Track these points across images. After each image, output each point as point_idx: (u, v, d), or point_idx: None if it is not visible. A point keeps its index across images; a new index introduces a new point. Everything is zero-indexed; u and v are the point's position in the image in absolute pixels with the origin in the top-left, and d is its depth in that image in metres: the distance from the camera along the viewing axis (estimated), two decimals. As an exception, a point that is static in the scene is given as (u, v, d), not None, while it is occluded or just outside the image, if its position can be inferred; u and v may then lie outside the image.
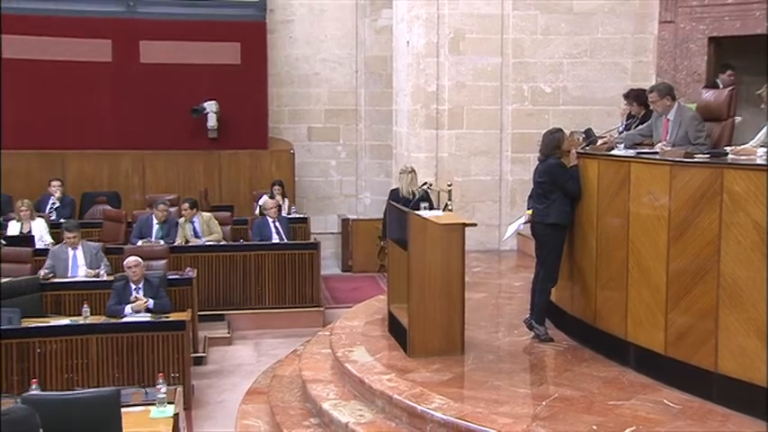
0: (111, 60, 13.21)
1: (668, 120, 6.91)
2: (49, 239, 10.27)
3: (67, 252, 9.07)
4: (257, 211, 11.83)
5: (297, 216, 12.36)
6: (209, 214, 10.98)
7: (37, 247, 9.91)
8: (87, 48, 13.09)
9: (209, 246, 10.50)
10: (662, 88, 7.05)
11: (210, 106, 13.30)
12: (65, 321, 7.82)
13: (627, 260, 6.20)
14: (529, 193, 7.32)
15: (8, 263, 9.14)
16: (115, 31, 13.20)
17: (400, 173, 10.33)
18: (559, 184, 6.84)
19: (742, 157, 5.62)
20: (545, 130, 7.25)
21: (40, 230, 10.40)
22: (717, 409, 5.38)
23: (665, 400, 5.60)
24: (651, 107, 7.22)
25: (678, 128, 6.81)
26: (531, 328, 7.08)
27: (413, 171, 10.10)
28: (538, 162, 7.14)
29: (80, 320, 7.79)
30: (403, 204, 8.80)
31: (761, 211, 5.10)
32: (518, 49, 10.82)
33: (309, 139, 14.38)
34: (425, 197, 9.57)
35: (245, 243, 10.81)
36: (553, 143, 6.99)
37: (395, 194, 9.92)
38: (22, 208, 10.54)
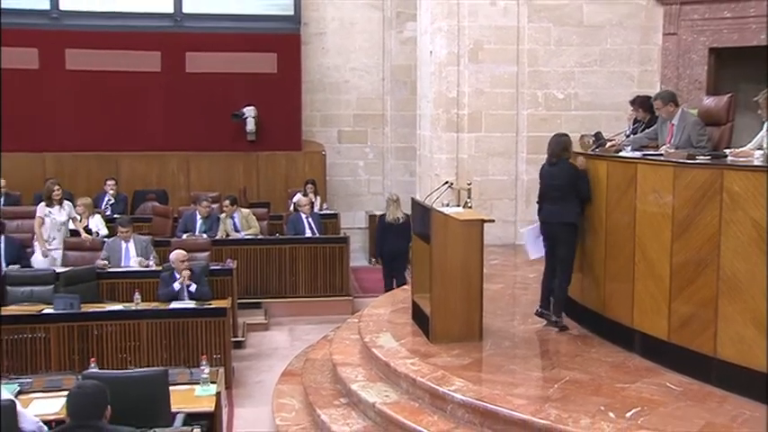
0: (161, 70, 13.30)
1: (673, 124, 6.87)
2: (105, 232, 10.39)
3: (121, 244, 9.13)
4: (292, 208, 11.82)
5: (328, 212, 12.37)
6: (247, 210, 11.02)
7: (85, 236, 10.01)
8: (139, 59, 13.19)
9: (248, 239, 10.54)
10: (665, 96, 7.03)
11: (249, 111, 13.35)
12: (119, 307, 7.89)
13: (633, 254, 6.18)
14: (539, 195, 7.20)
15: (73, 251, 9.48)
16: (164, 44, 13.29)
17: (387, 201, 10.71)
18: (576, 185, 6.81)
19: (740, 159, 5.57)
20: (552, 134, 7.19)
21: (96, 225, 10.52)
22: (715, 392, 5.38)
23: (668, 383, 5.60)
24: (656, 113, 7.19)
25: (682, 132, 6.77)
26: (541, 316, 7.05)
27: (397, 200, 10.45)
28: (548, 165, 7.07)
29: (132, 306, 7.83)
30: (390, 229, 10.24)
31: (758, 210, 5.09)
32: (533, 58, 10.76)
33: (340, 142, 14.39)
34: (407, 221, 9.73)
35: (280, 237, 10.83)
36: (561, 146, 6.95)
37: (383, 220, 10.49)
38: (84, 205, 10.65)
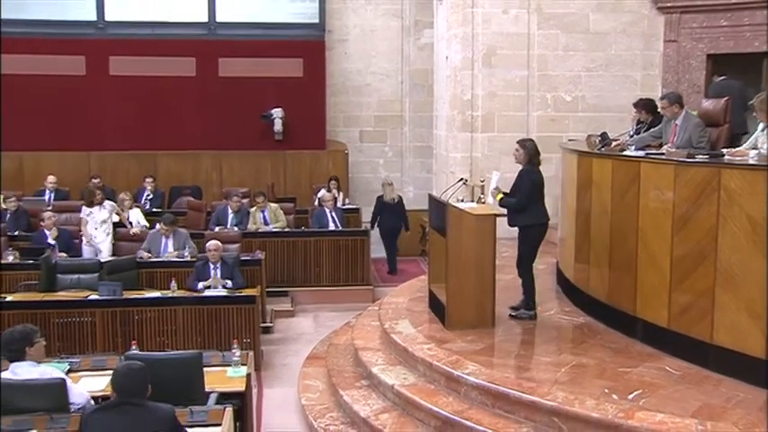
0: (195, 75, 13.34)
1: (676, 124, 6.87)
2: (144, 223, 10.48)
3: (161, 238, 9.20)
4: (316, 203, 11.84)
5: (350, 207, 12.34)
6: (276, 205, 11.02)
7: (133, 230, 10.10)
8: (176, 65, 13.25)
9: (276, 232, 10.55)
10: (671, 97, 7.03)
11: (277, 113, 13.35)
12: (156, 294, 7.95)
13: (636, 247, 6.17)
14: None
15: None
16: (199, 51, 13.33)
17: (383, 185, 11.98)
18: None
19: (737, 158, 5.59)
20: (521, 138, 7.12)
21: (136, 217, 10.63)
22: (712, 375, 5.39)
23: (668, 368, 5.61)
24: (661, 112, 7.19)
25: (684, 132, 6.77)
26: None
27: (391, 183, 11.98)
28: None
29: (169, 293, 7.89)
30: (386, 207, 11.64)
31: (753, 205, 5.10)
32: (542, 63, 10.76)
33: (361, 141, 14.37)
34: (401, 201, 11.80)
35: (305, 230, 10.84)
36: (534, 147, 6.90)
37: (381, 200, 11.76)
38: (125, 199, 10.81)
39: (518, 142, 7.00)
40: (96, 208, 9.60)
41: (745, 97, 7.14)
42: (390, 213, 11.66)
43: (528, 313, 7.02)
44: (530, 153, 6.84)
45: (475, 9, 10.61)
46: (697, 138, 6.65)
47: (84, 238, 9.64)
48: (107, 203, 9.79)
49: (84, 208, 9.71)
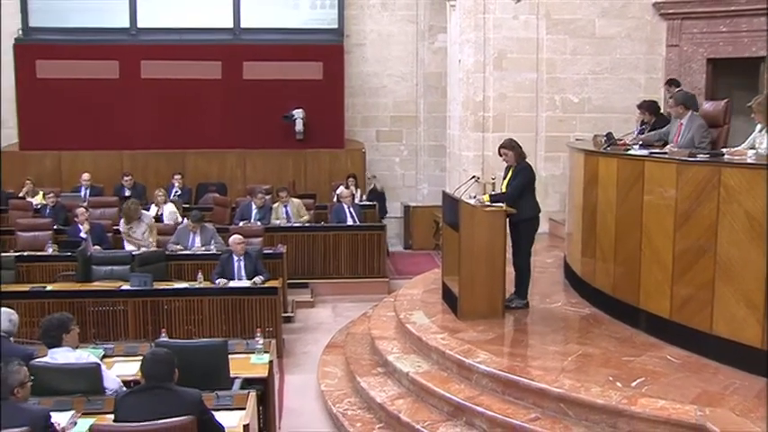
0: (221, 78, 13.33)
1: (682, 124, 6.87)
2: (179, 218, 10.53)
3: (189, 233, 9.27)
4: (335, 199, 11.83)
5: (367, 203, 12.30)
6: (298, 201, 11.02)
7: (166, 223, 10.26)
8: (203, 68, 13.24)
9: (296, 226, 10.55)
10: (678, 97, 7.04)
11: (298, 113, 13.31)
12: (184, 285, 8.01)
13: (640, 241, 6.17)
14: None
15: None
16: (224, 55, 13.33)
17: (369, 178, 13.36)
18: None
19: (735, 158, 5.57)
20: (502, 143, 7.09)
21: (169, 212, 10.68)
22: (710, 364, 5.39)
23: (669, 356, 5.61)
24: (669, 110, 7.19)
25: (688, 132, 6.78)
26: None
27: (374, 176, 13.54)
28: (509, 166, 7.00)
29: (196, 285, 7.95)
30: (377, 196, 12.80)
31: (751, 202, 5.09)
32: (551, 66, 10.72)
33: (378, 140, 14.35)
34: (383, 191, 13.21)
35: (325, 225, 10.82)
36: (518, 144, 6.92)
37: (375, 189, 12.99)
38: (159, 195, 10.93)
39: (501, 147, 7.02)
40: (135, 223, 9.41)
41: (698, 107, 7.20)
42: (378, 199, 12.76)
43: (522, 302, 7.03)
44: (517, 152, 6.90)
45: (486, 15, 10.59)
46: (699, 138, 6.63)
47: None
48: (144, 216, 9.64)
49: (122, 223, 9.51)
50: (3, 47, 12.93)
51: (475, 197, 7.07)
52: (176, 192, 12.10)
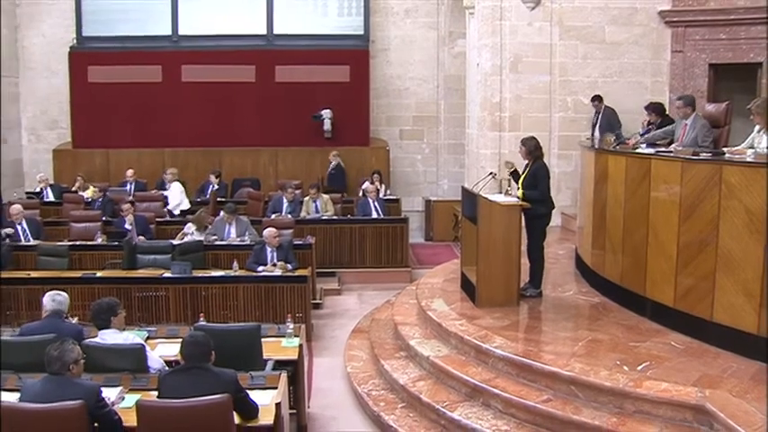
0: (255, 81, 13.41)
1: (686, 124, 6.84)
2: (184, 200, 11.04)
3: (225, 224, 9.31)
4: (361, 194, 11.85)
5: (391, 197, 12.34)
6: (327, 196, 11.07)
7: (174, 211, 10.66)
8: (238, 72, 13.34)
9: (325, 219, 10.59)
10: (686, 99, 7.00)
11: (326, 113, 13.36)
12: (220, 273, 8.05)
13: (647, 234, 6.16)
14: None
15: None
16: (258, 59, 13.40)
17: (333, 156, 12.97)
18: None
19: (736, 156, 5.55)
20: (524, 137, 7.09)
21: (179, 190, 11.18)
22: (711, 349, 5.39)
23: (672, 342, 5.61)
24: (676, 111, 7.15)
25: (692, 131, 6.74)
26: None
27: (337, 154, 13.02)
28: (526, 164, 6.98)
29: (231, 273, 8.01)
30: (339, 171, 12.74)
31: (750, 198, 5.07)
32: (563, 70, 10.68)
33: (401, 139, 14.37)
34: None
35: (351, 218, 10.87)
36: (534, 144, 6.89)
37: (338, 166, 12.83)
38: (168, 174, 11.36)
39: (521, 141, 7.05)
40: (199, 232, 9.33)
41: (614, 121, 7.11)
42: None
43: (536, 291, 7.04)
44: (528, 148, 6.88)
45: (503, 21, 10.58)
46: (702, 137, 6.60)
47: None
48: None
49: (188, 226, 9.46)
50: (57, 54, 13.39)
51: (509, 193, 7.07)
52: (214, 187, 12.18)
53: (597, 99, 10.33)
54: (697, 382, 4.82)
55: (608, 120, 10.07)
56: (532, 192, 6.80)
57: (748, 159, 5.37)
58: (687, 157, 5.75)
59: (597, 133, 9.83)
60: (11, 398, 4.25)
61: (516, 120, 10.76)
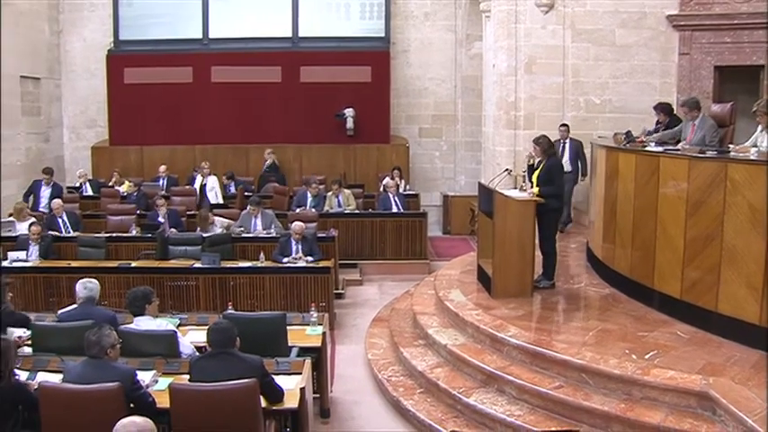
0: (281, 81, 13.45)
1: (694, 125, 6.82)
2: (218, 193, 11.19)
3: (251, 217, 9.37)
4: (381, 189, 11.75)
5: (410, 193, 12.32)
6: (348, 191, 11.07)
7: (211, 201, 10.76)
8: (265, 73, 13.39)
9: (347, 213, 10.62)
10: (690, 103, 6.97)
11: (349, 112, 13.37)
12: (248, 264, 8.10)
13: (655, 229, 6.15)
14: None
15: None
16: (284, 61, 13.43)
17: (267, 153, 12.89)
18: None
19: (740, 155, 5.52)
20: (536, 137, 7.10)
21: (213, 184, 11.26)
22: (715, 339, 5.39)
23: (678, 332, 5.61)
24: (683, 115, 7.12)
25: (700, 131, 6.72)
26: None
27: (272, 152, 12.91)
28: (540, 161, 6.96)
29: (258, 264, 8.05)
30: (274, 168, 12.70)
31: (754, 195, 5.06)
32: (575, 71, 10.60)
33: (420, 137, 14.37)
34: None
35: (372, 212, 10.87)
36: (547, 142, 6.89)
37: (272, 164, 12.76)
38: (204, 167, 11.35)
39: (533, 141, 7.05)
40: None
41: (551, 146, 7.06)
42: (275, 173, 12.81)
43: (549, 282, 7.04)
44: (542, 147, 6.88)
45: (518, 25, 10.51)
46: (710, 137, 6.59)
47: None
48: (217, 222, 9.58)
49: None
50: (96, 57, 13.63)
51: (525, 189, 7.07)
52: (241, 183, 12.27)
53: (565, 126, 10.17)
54: (701, 370, 4.82)
55: (575, 151, 10.02)
56: (548, 188, 6.79)
57: (752, 157, 5.34)
58: (694, 154, 5.73)
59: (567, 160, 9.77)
60: (54, 378, 4.36)
61: (530, 119, 10.71)
